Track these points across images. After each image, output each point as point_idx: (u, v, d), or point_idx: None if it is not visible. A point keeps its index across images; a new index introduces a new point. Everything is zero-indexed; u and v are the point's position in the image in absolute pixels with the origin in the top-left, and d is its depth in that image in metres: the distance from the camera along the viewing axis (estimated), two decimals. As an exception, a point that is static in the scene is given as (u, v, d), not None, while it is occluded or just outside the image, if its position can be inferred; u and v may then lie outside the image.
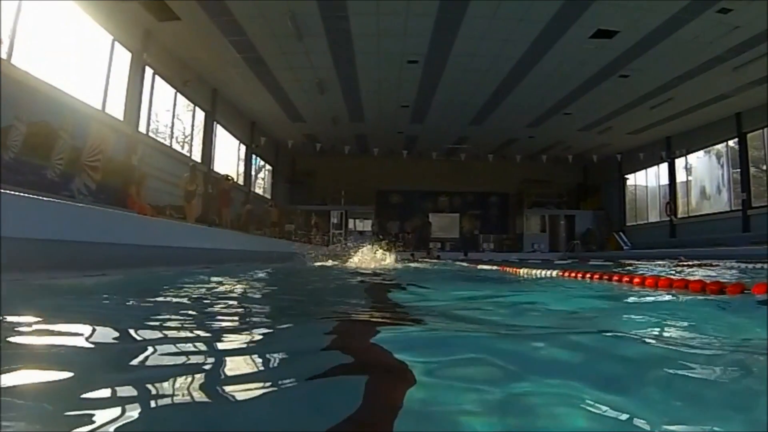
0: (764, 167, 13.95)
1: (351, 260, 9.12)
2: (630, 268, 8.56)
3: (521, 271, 6.14)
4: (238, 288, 3.78)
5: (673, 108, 14.31)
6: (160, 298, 2.78)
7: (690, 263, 9.28)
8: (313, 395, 0.95)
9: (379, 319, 2.16)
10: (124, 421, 0.78)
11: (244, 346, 1.53)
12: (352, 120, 16.72)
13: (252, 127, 17.06)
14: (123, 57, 9.50)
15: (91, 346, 1.42)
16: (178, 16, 9.49)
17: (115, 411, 0.84)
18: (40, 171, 7.11)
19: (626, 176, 20.82)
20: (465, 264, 11.06)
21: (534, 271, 5.72)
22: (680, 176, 17.67)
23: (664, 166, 18.24)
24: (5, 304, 1.95)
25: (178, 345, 1.44)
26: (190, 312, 2.35)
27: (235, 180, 15.15)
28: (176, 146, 12.46)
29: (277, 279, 5.59)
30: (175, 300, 2.79)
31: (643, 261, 11.86)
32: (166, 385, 1.00)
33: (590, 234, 21.71)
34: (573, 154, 19.13)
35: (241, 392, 0.98)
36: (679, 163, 17.57)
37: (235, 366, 1.25)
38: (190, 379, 1.07)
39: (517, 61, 11.52)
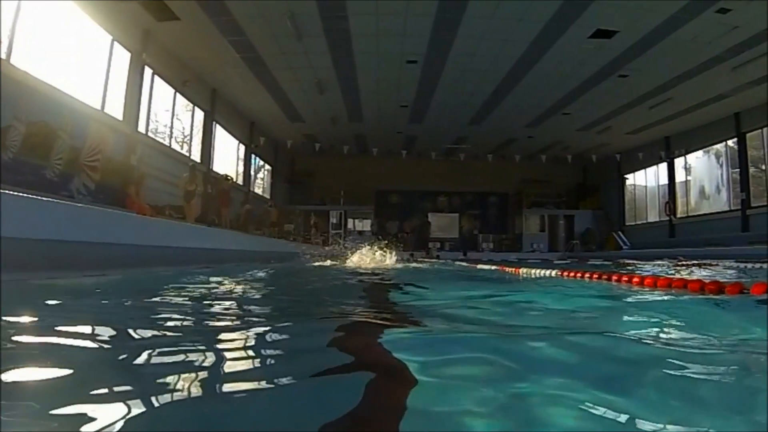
0: (763, 167, 13.97)
1: (351, 260, 9.11)
2: (629, 267, 8.57)
3: (520, 270, 6.14)
4: (238, 288, 3.78)
5: (672, 108, 14.32)
6: (160, 298, 2.78)
7: (689, 263, 9.29)
8: (314, 395, 0.95)
9: (379, 319, 2.16)
10: (124, 421, 0.78)
11: (244, 346, 1.53)
12: (351, 120, 16.72)
13: (251, 127, 17.06)
14: (122, 57, 9.50)
15: (91, 346, 1.42)
16: (177, 16, 9.49)
17: (115, 411, 0.84)
18: (39, 171, 7.11)
19: (625, 176, 20.84)
20: (464, 264, 11.06)
21: (533, 271, 5.72)
22: (679, 176, 17.70)
23: (663, 166, 18.26)
24: (4, 305, 1.95)
25: (177, 345, 1.44)
26: (189, 312, 2.35)
27: (235, 180, 15.15)
28: (175, 146, 12.46)
29: (277, 279, 5.59)
30: (174, 300, 2.78)
31: (642, 261, 11.87)
32: (166, 385, 1.00)
33: (589, 234, 21.72)
34: (572, 154, 19.14)
35: (241, 392, 0.99)
36: (679, 162, 17.59)
37: (235, 366, 1.25)
38: (189, 378, 1.07)
39: (516, 61, 11.53)
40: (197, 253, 6.70)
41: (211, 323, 2.05)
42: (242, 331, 1.86)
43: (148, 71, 10.36)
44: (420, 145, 19.57)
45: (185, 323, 2.05)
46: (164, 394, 0.95)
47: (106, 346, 1.45)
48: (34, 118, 6.92)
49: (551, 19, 9.46)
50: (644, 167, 19.32)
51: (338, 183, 21.83)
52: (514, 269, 6.46)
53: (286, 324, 2.05)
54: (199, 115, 13.46)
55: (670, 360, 1.23)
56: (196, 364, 1.24)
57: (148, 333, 1.70)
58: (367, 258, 9.13)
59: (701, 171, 16.91)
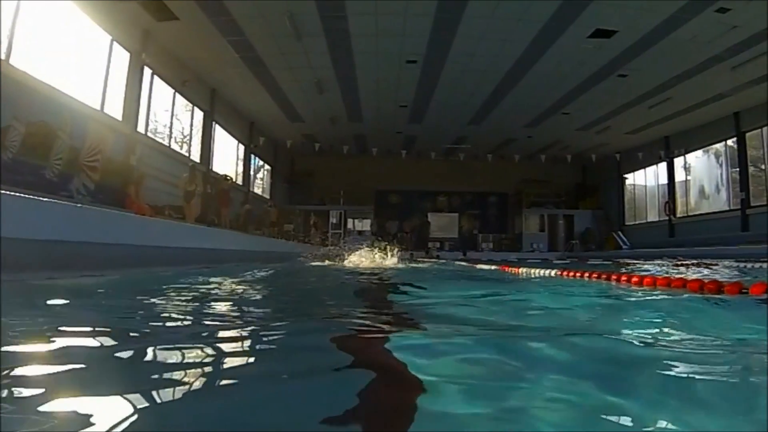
0: (763, 166, 13.97)
1: (351, 261, 9.11)
2: (629, 267, 8.57)
3: (520, 270, 6.15)
4: (237, 288, 3.78)
5: (671, 107, 14.32)
6: (159, 299, 2.77)
7: (688, 263, 9.29)
8: (314, 396, 0.95)
9: (380, 320, 2.16)
10: (123, 421, 0.78)
11: (244, 346, 1.53)
12: (350, 120, 16.71)
13: (251, 127, 17.05)
14: (122, 57, 9.49)
15: (90, 346, 1.42)
16: (176, 16, 9.48)
17: (115, 411, 0.84)
18: (39, 171, 7.10)
19: (625, 176, 20.83)
20: (464, 264, 11.06)
21: (533, 271, 5.72)
22: (679, 176, 17.69)
23: (662, 166, 18.26)
24: (4, 305, 1.95)
25: (177, 345, 1.44)
26: (188, 312, 2.35)
27: (234, 180, 15.15)
28: (175, 146, 12.45)
29: (276, 279, 5.59)
30: (173, 300, 2.78)
31: (642, 260, 11.87)
32: (166, 385, 1.00)
33: (589, 233, 21.72)
34: (572, 154, 19.13)
35: (240, 392, 0.99)
36: (678, 162, 17.59)
37: (234, 366, 1.25)
38: (189, 379, 1.07)
39: (515, 60, 11.53)
40: (196, 253, 6.70)
41: (211, 324, 2.05)
42: (242, 332, 1.86)
43: (147, 71, 10.35)
44: (420, 145, 19.57)
45: (184, 324, 2.05)
46: (164, 395, 0.95)
47: (105, 346, 1.45)
48: (33, 118, 6.92)
49: (550, 18, 9.46)
50: (644, 167, 19.32)
51: (338, 183, 21.82)
52: (516, 269, 6.47)
53: (285, 324, 2.05)
54: (199, 115, 13.45)
55: (669, 360, 1.23)
56: (196, 364, 1.24)
57: (147, 333, 1.70)
58: (368, 258, 9.13)
59: (701, 170, 16.92)
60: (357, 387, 0.95)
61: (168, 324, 2.00)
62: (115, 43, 9.19)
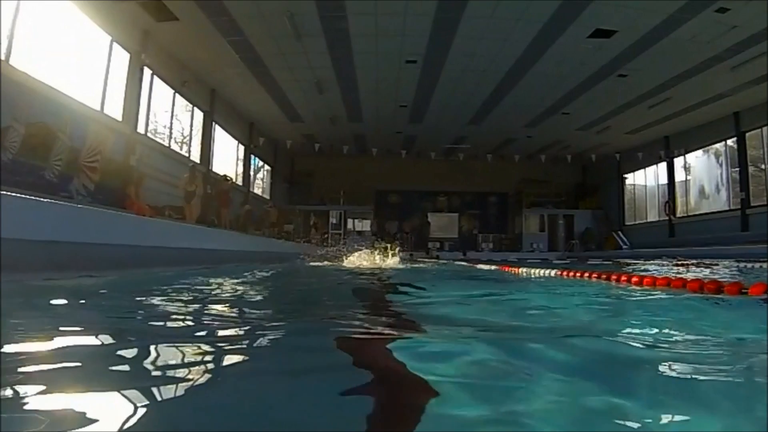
0: (763, 166, 13.97)
1: (352, 261, 9.11)
2: (629, 267, 8.58)
3: (520, 270, 6.15)
4: (238, 289, 3.78)
5: (671, 107, 14.32)
6: (159, 299, 2.77)
7: (688, 263, 9.30)
8: (314, 396, 0.95)
9: (380, 320, 2.16)
10: (123, 421, 0.78)
11: (244, 347, 1.53)
12: (350, 120, 16.71)
13: (250, 127, 17.05)
14: (121, 57, 9.49)
15: (90, 346, 1.42)
16: (176, 17, 9.48)
17: (115, 411, 0.84)
18: (39, 172, 7.10)
19: (625, 176, 20.84)
20: (464, 264, 11.06)
21: (533, 271, 5.72)
22: (679, 175, 17.69)
23: (662, 166, 18.26)
24: (4, 305, 1.95)
25: (177, 345, 1.44)
26: (188, 312, 2.35)
27: (234, 180, 15.14)
28: (175, 147, 12.44)
29: (276, 280, 5.59)
30: (173, 301, 2.78)
31: (642, 260, 11.87)
32: (166, 386, 1.00)
33: (589, 233, 21.72)
34: (572, 154, 19.13)
35: (240, 392, 0.98)
36: (678, 162, 17.59)
37: (234, 366, 1.25)
38: (189, 379, 1.07)
39: (515, 60, 11.53)
40: (196, 253, 6.70)
41: (210, 324, 2.05)
42: (242, 333, 1.86)
43: (147, 72, 10.35)
44: (419, 144, 19.57)
45: (184, 324, 2.05)
46: (164, 395, 0.95)
47: (105, 346, 1.45)
48: (33, 119, 6.92)
49: (550, 18, 9.46)
50: (644, 167, 19.32)
51: (338, 183, 21.82)
52: (516, 269, 6.47)
53: (285, 325, 2.05)
54: (199, 115, 13.44)
55: (669, 360, 1.23)
56: (196, 364, 1.24)
57: (147, 334, 1.70)
58: (368, 259, 9.13)
59: (701, 170, 16.92)
60: (358, 388, 0.95)
61: (167, 324, 2.00)
62: (114, 43, 9.19)
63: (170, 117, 12.12)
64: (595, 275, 4.26)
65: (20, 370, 1.04)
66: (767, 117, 13.12)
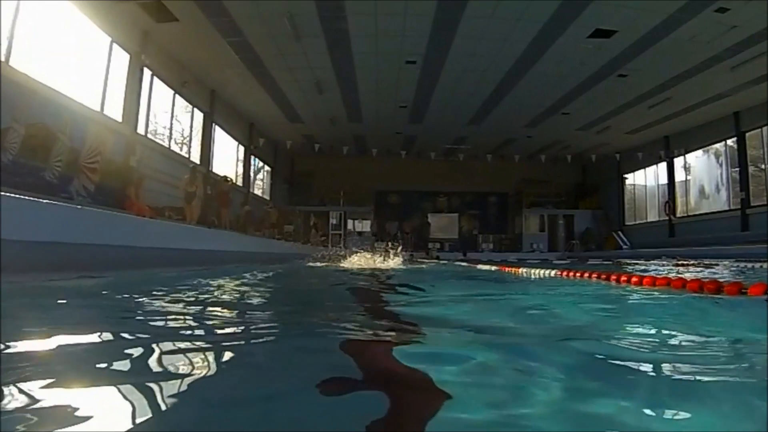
0: (763, 166, 13.97)
1: (352, 262, 9.11)
2: (629, 267, 8.57)
3: (520, 270, 6.15)
4: (238, 289, 3.78)
5: (671, 107, 14.32)
6: (158, 300, 2.77)
7: (688, 263, 9.29)
8: (314, 396, 0.95)
9: (380, 320, 2.16)
10: (123, 421, 0.78)
11: (244, 347, 1.53)
12: (350, 120, 16.72)
13: (250, 128, 17.05)
14: (121, 58, 9.49)
15: (90, 346, 1.42)
16: (176, 18, 9.48)
17: (114, 411, 0.84)
18: (39, 173, 7.10)
19: (625, 176, 20.84)
20: (465, 264, 11.06)
21: (533, 271, 5.73)
22: (679, 175, 17.69)
23: (662, 166, 18.26)
24: (4, 305, 1.95)
25: (177, 345, 1.44)
26: (188, 313, 2.35)
27: (234, 181, 15.14)
28: (175, 147, 12.45)
29: (276, 281, 5.59)
30: (173, 301, 2.78)
31: (642, 260, 11.87)
32: (165, 386, 1.00)
33: (589, 233, 21.72)
34: (572, 154, 19.14)
35: (240, 392, 0.98)
36: (678, 162, 17.59)
37: (234, 367, 1.25)
38: (189, 379, 1.07)
39: (515, 60, 11.53)
40: (196, 254, 6.70)
41: (210, 324, 2.05)
42: (242, 333, 1.86)
43: (147, 72, 10.36)
44: (419, 145, 19.56)
45: (184, 324, 2.05)
46: (163, 395, 0.95)
47: (105, 346, 1.45)
48: (33, 119, 6.92)
49: (550, 18, 9.46)
50: (644, 167, 19.32)
51: (338, 183, 21.82)
52: (516, 269, 6.47)
53: (285, 325, 2.05)
54: (199, 116, 13.45)
55: (669, 360, 1.23)
56: (196, 364, 1.24)
57: (147, 334, 1.70)
58: (369, 260, 9.13)
59: (701, 170, 16.91)
60: (358, 388, 0.95)
61: (167, 325, 2.00)
62: (114, 44, 9.20)
63: (170, 118, 12.13)
64: (596, 275, 4.26)
65: (20, 370, 1.04)
66: (767, 117, 13.12)
